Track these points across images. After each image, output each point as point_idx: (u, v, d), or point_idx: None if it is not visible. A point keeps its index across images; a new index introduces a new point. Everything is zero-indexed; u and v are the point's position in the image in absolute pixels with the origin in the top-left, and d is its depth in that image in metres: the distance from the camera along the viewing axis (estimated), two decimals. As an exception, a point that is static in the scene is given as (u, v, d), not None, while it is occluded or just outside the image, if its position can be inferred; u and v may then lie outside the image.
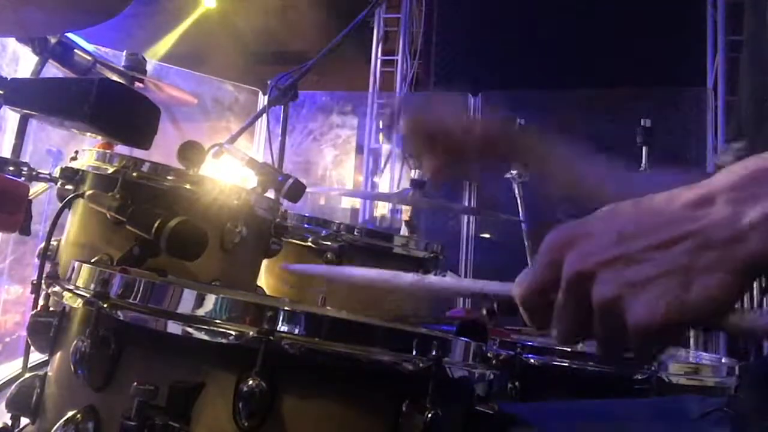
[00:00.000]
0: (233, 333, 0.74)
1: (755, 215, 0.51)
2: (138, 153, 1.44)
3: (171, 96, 2.45)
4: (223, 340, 0.74)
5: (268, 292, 1.62)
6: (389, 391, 0.78)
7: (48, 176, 1.41)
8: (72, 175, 1.38)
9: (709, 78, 4.54)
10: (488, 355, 0.95)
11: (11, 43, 3.23)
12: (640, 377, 1.39)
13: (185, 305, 0.78)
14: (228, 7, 6.62)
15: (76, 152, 1.44)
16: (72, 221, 1.41)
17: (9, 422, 0.97)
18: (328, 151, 5.83)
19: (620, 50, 4.38)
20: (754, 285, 0.53)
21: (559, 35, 4.46)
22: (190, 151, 1.39)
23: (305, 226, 1.85)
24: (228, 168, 1.70)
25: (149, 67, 2.26)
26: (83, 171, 1.39)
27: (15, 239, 3.76)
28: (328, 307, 1.25)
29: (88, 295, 0.81)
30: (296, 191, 1.53)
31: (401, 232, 2.53)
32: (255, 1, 6.59)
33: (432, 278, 0.81)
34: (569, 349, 1.40)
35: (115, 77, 1.98)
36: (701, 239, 0.52)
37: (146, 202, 1.30)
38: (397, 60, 5.46)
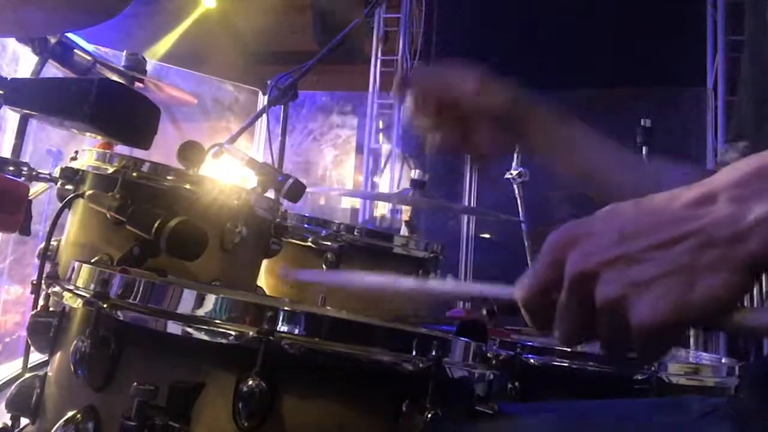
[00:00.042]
0: (233, 333, 0.74)
1: (758, 213, 0.50)
2: (138, 153, 1.44)
3: (171, 96, 2.46)
4: (223, 340, 0.74)
5: (268, 292, 1.62)
6: (389, 391, 0.78)
7: (48, 176, 1.41)
8: (72, 175, 1.38)
9: (709, 78, 4.54)
10: (488, 355, 0.95)
11: (11, 43, 3.23)
12: (640, 377, 1.39)
13: (185, 305, 0.78)
14: (228, 7, 6.62)
15: (76, 152, 1.44)
16: (72, 221, 1.41)
17: (9, 422, 0.97)
18: (328, 151, 5.83)
19: (620, 50, 4.38)
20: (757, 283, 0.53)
21: (559, 35, 4.46)
22: (190, 151, 1.39)
23: (305, 226, 1.85)
24: (228, 168, 1.70)
25: (149, 67, 2.26)
26: (83, 171, 1.39)
27: (15, 239, 3.76)
28: (328, 307, 1.25)
29: (88, 295, 0.81)
30: (296, 191, 1.53)
31: (401, 232, 2.53)
32: (255, 1, 6.59)
33: (432, 282, 0.81)
34: (569, 349, 1.40)
35: (115, 77, 1.98)
36: (703, 238, 0.52)
37: (146, 202, 1.30)
38: (397, 60, 5.45)
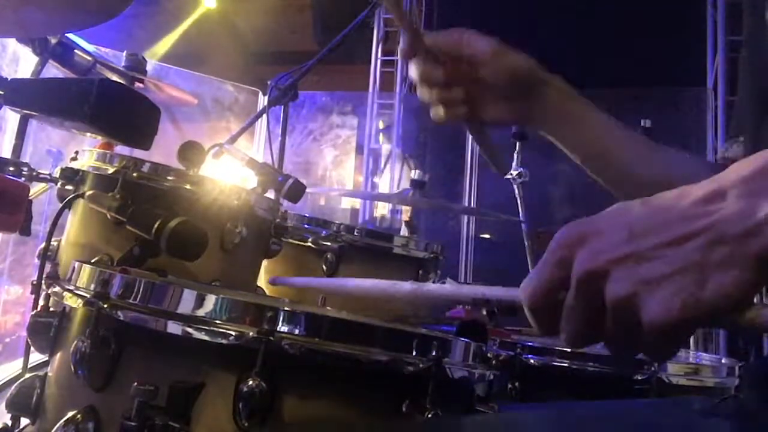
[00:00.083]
0: (233, 333, 0.74)
1: (765, 211, 0.50)
2: (138, 153, 1.44)
3: (171, 96, 2.46)
4: (223, 341, 0.74)
5: (268, 292, 1.62)
6: (389, 391, 0.78)
7: (48, 176, 1.41)
8: (72, 176, 1.38)
9: (709, 78, 4.54)
10: (488, 355, 0.95)
11: (11, 43, 3.24)
12: (640, 377, 1.39)
13: (185, 305, 0.78)
14: (228, 7, 6.62)
15: (76, 152, 1.44)
16: (72, 221, 1.41)
17: (9, 423, 0.97)
18: (328, 151, 5.84)
19: (620, 50, 4.38)
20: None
21: (559, 35, 4.46)
22: (190, 151, 1.39)
23: (305, 226, 1.85)
24: (228, 168, 1.70)
25: (149, 67, 2.26)
26: (83, 171, 1.39)
27: (15, 239, 3.76)
28: (328, 308, 1.25)
29: (88, 296, 0.81)
30: (296, 191, 1.53)
31: (401, 233, 2.53)
32: (255, 1, 6.59)
33: (431, 286, 0.80)
34: (569, 350, 1.40)
35: (115, 77, 1.98)
36: (714, 235, 0.51)
37: (146, 202, 1.30)
38: (397, 60, 5.45)
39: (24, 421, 0.96)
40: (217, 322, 0.76)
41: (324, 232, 1.82)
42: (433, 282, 1.95)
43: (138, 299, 0.80)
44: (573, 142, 1.04)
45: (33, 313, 0.93)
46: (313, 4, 6.04)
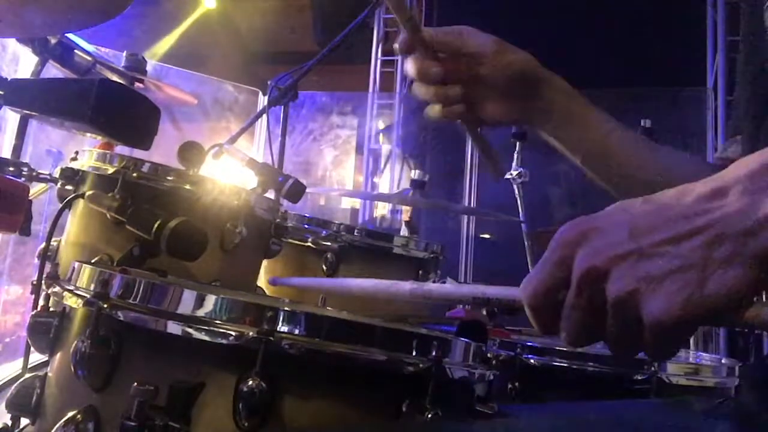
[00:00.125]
0: (233, 333, 0.74)
1: (767, 208, 0.50)
2: (138, 153, 1.44)
3: (171, 96, 2.46)
4: (223, 341, 0.74)
5: (268, 292, 1.62)
6: (389, 391, 0.78)
7: (48, 176, 1.42)
8: (72, 176, 1.38)
9: (709, 78, 4.54)
10: (488, 355, 0.95)
11: (11, 43, 3.23)
12: (640, 377, 1.39)
13: (185, 305, 0.78)
14: (228, 7, 6.62)
15: (76, 152, 1.44)
16: (72, 221, 1.41)
17: (9, 423, 0.97)
18: (328, 151, 5.84)
19: (620, 50, 4.38)
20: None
21: (559, 35, 4.46)
22: (190, 151, 1.39)
23: (305, 226, 1.85)
24: (228, 168, 1.70)
25: (149, 68, 2.26)
26: (83, 171, 1.39)
27: (15, 239, 3.76)
28: (328, 308, 1.25)
29: (88, 296, 0.81)
30: (296, 191, 1.53)
31: (401, 233, 2.53)
32: (255, 1, 6.60)
33: (431, 286, 0.80)
34: (569, 350, 1.40)
35: (115, 77, 1.98)
36: (716, 232, 0.51)
37: (146, 202, 1.30)
38: (397, 60, 5.45)
39: (24, 421, 0.96)
40: (217, 322, 0.76)
41: (324, 232, 1.82)
42: (433, 282, 1.95)
43: (138, 299, 0.80)
44: (574, 142, 1.02)
45: (33, 313, 0.93)
46: (313, 4, 6.05)
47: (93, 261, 1.26)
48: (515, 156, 2.91)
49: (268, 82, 2.25)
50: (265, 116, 2.29)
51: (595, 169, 1.03)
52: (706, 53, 4.57)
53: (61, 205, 1.36)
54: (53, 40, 1.65)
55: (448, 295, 0.80)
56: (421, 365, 0.77)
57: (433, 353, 0.78)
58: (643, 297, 0.52)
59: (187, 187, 1.34)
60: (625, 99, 4.22)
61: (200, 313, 0.77)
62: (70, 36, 1.75)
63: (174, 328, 0.76)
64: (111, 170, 1.33)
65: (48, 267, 1.13)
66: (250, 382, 0.73)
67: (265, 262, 1.61)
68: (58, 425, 0.80)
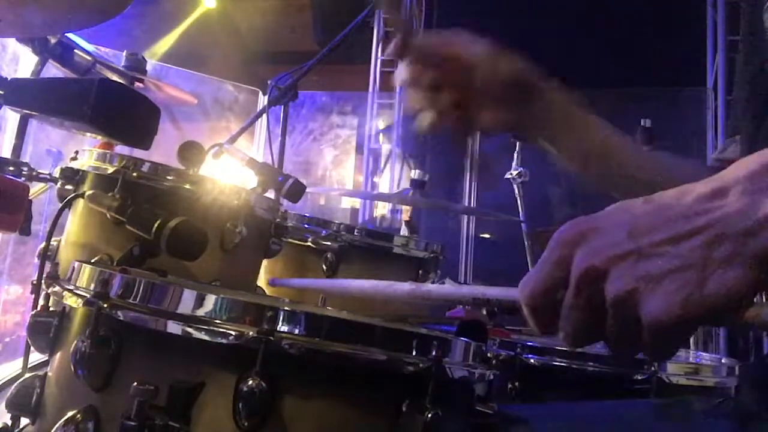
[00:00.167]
0: (233, 333, 0.74)
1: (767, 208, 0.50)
2: (138, 153, 1.44)
3: (171, 96, 2.46)
4: (223, 340, 0.74)
5: (268, 292, 1.62)
6: (389, 391, 0.78)
7: (48, 176, 1.42)
8: (72, 175, 1.38)
9: (709, 78, 4.55)
10: (488, 355, 0.95)
11: (11, 43, 3.23)
12: (640, 377, 1.39)
13: (185, 305, 0.77)
14: (228, 6, 6.62)
15: (76, 152, 1.44)
16: (72, 221, 1.41)
17: (9, 422, 0.97)
18: (328, 151, 5.84)
19: (620, 50, 4.39)
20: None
21: (559, 35, 4.46)
22: (190, 151, 1.39)
23: (305, 226, 1.85)
24: (228, 168, 1.70)
25: (149, 67, 2.27)
26: (83, 171, 1.39)
27: (15, 239, 3.76)
28: (328, 307, 1.25)
29: (88, 296, 0.81)
30: (296, 191, 1.53)
31: (401, 232, 2.54)
32: (255, 1, 6.60)
33: (430, 286, 0.80)
34: (569, 350, 1.40)
35: (115, 77, 1.98)
36: (715, 232, 0.51)
37: (146, 202, 1.30)
38: (397, 60, 5.45)
39: (24, 421, 0.96)
40: (217, 321, 0.76)
41: (324, 232, 1.82)
42: (433, 282, 1.95)
43: (138, 299, 0.80)
44: (573, 146, 1.01)
45: (33, 312, 0.93)
46: (313, 4, 6.05)
47: (93, 261, 1.26)
48: (515, 156, 2.91)
49: (268, 82, 2.25)
50: (265, 116, 2.29)
51: (595, 171, 1.02)
52: (706, 53, 4.57)
53: (61, 205, 1.36)
54: (53, 40, 1.65)
55: (447, 296, 0.80)
56: (421, 365, 0.77)
57: (433, 353, 0.78)
58: (642, 297, 0.52)
59: (187, 186, 1.34)
60: (625, 99, 4.22)
61: (200, 312, 0.77)
62: (70, 36, 1.75)
63: (174, 327, 0.76)
64: (111, 170, 1.33)
65: (48, 267, 1.13)
66: (250, 382, 0.73)
67: (265, 262, 1.61)
68: (58, 425, 0.80)
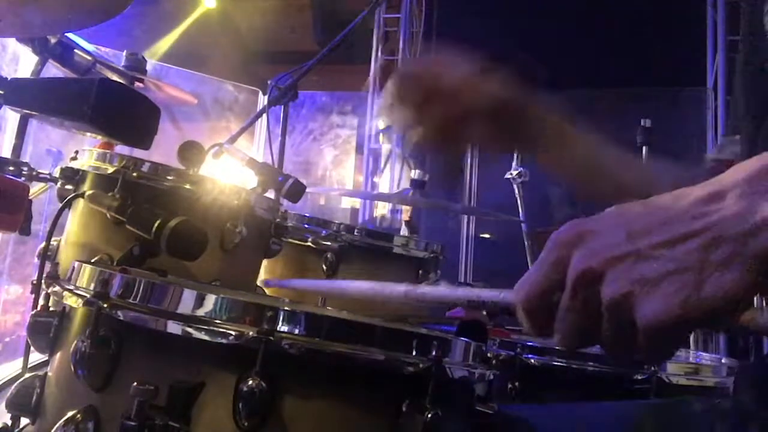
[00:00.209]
0: (233, 333, 0.74)
1: (765, 211, 0.50)
2: (138, 153, 1.44)
3: (171, 96, 2.46)
4: (223, 340, 0.74)
5: (268, 292, 1.62)
6: (389, 391, 0.78)
7: (48, 176, 1.42)
8: (72, 175, 1.38)
9: (709, 78, 4.54)
10: (488, 355, 0.95)
11: (11, 43, 3.23)
12: (640, 377, 1.39)
13: (185, 305, 0.77)
14: (228, 6, 6.62)
15: (76, 152, 1.44)
16: (72, 221, 1.41)
17: (9, 422, 0.97)
18: (328, 151, 5.84)
19: (620, 50, 4.38)
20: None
21: (559, 35, 4.46)
22: (190, 151, 1.39)
23: (305, 226, 1.85)
24: (228, 168, 1.70)
25: (149, 67, 2.27)
26: (83, 171, 1.39)
27: (15, 239, 3.76)
28: (328, 307, 1.25)
29: (88, 295, 0.81)
30: (296, 191, 1.53)
31: (401, 232, 2.54)
32: (255, 1, 6.60)
33: (425, 288, 0.80)
34: (569, 350, 1.40)
35: (115, 77, 1.98)
36: (713, 235, 0.51)
37: (146, 202, 1.30)
38: (397, 60, 5.46)
39: (24, 421, 0.96)
40: (217, 321, 0.76)
41: (324, 232, 1.82)
42: (433, 281, 1.95)
43: (138, 299, 0.80)
44: (566, 161, 1.00)
45: (33, 312, 0.93)
46: (313, 4, 6.05)
47: (93, 261, 1.26)
48: (515, 156, 2.91)
49: (268, 82, 2.25)
50: (265, 116, 2.29)
51: (589, 185, 1.02)
52: (706, 53, 4.57)
53: (61, 205, 1.36)
54: (53, 40, 1.65)
55: (441, 298, 0.80)
56: (421, 365, 0.77)
57: (433, 353, 0.78)
58: (638, 300, 0.52)
59: (187, 186, 1.34)
60: (625, 99, 4.22)
61: (200, 312, 0.77)
62: (70, 35, 1.75)
63: (174, 327, 0.76)
64: (111, 170, 1.33)
65: (48, 266, 1.13)
66: (250, 382, 0.73)
67: (265, 262, 1.61)
68: (58, 425, 0.80)
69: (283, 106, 2.30)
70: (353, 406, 0.78)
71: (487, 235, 4.93)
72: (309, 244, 1.80)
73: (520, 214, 2.97)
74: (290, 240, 1.74)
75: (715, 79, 4.48)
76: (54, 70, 1.75)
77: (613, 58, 4.35)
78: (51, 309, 0.95)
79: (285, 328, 0.76)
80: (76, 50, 1.76)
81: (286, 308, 0.78)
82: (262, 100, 2.46)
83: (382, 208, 5.25)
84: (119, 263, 1.24)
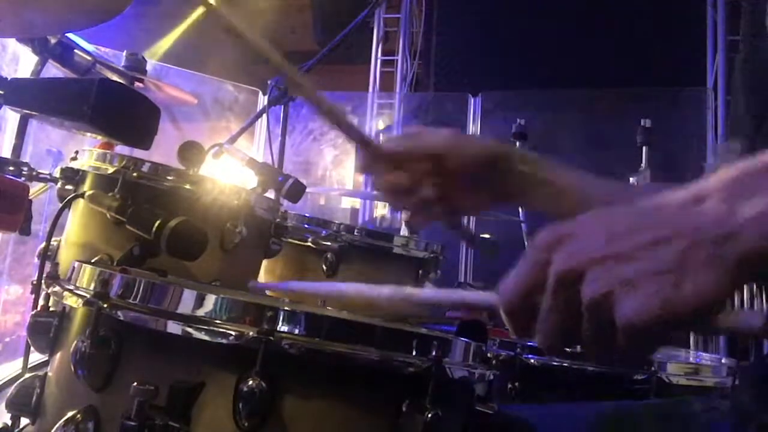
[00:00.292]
0: (233, 333, 0.74)
1: (747, 212, 0.50)
2: (138, 153, 1.44)
3: (171, 96, 2.46)
4: (223, 340, 0.74)
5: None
6: (389, 391, 0.78)
7: (48, 176, 1.42)
8: (72, 175, 1.39)
9: (709, 78, 4.54)
10: (488, 355, 0.95)
11: (11, 43, 3.23)
12: (640, 377, 1.39)
13: (185, 305, 0.78)
14: (228, 7, 6.60)
15: (76, 152, 1.44)
16: (72, 221, 1.41)
17: (9, 422, 0.97)
18: (328, 151, 5.83)
19: (620, 50, 4.38)
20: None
21: (559, 35, 4.46)
22: (190, 151, 1.39)
23: (305, 226, 1.85)
24: (228, 168, 1.70)
25: (149, 67, 2.26)
26: (83, 171, 1.39)
27: (15, 239, 3.76)
28: (329, 308, 1.25)
29: (88, 295, 0.81)
30: (296, 191, 1.54)
31: (401, 232, 2.53)
32: (255, 1, 6.59)
33: (411, 290, 0.80)
34: (569, 350, 1.40)
35: (115, 77, 1.98)
36: (693, 237, 0.52)
37: (146, 202, 1.30)
38: (397, 60, 5.45)
39: (24, 421, 0.96)
40: (217, 322, 0.76)
41: (324, 232, 1.82)
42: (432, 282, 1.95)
43: (138, 299, 0.80)
44: (554, 204, 1.01)
45: (33, 312, 0.93)
46: (313, 4, 6.04)
47: (93, 261, 1.26)
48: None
49: (268, 82, 2.25)
50: (265, 116, 2.29)
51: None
52: (706, 53, 4.57)
53: (61, 205, 1.36)
54: (53, 40, 1.65)
55: (426, 300, 0.81)
56: (421, 365, 0.77)
57: (433, 353, 0.78)
58: (618, 299, 0.53)
59: (187, 186, 1.34)
60: (625, 99, 4.22)
61: (200, 312, 0.77)
62: (70, 36, 1.75)
63: (174, 327, 0.76)
64: (111, 170, 1.33)
65: (48, 267, 1.13)
66: (250, 382, 0.73)
67: (265, 262, 1.61)
68: (58, 425, 0.80)
69: (283, 106, 2.30)
70: (353, 406, 0.78)
71: (487, 235, 4.92)
72: (309, 244, 1.80)
73: (520, 214, 2.97)
74: (290, 240, 1.74)
75: (715, 79, 4.47)
76: (54, 70, 1.75)
77: (613, 58, 4.35)
78: (51, 309, 0.95)
79: (285, 328, 0.76)
80: (76, 50, 1.76)
81: (286, 308, 0.78)
82: (262, 100, 2.46)
83: (382, 208, 5.25)
84: (119, 263, 1.24)
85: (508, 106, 4.45)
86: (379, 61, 5.51)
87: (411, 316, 1.64)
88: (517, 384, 1.38)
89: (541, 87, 4.33)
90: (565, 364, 1.41)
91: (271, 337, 0.73)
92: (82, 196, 1.34)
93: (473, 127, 4.66)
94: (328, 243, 1.80)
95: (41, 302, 0.98)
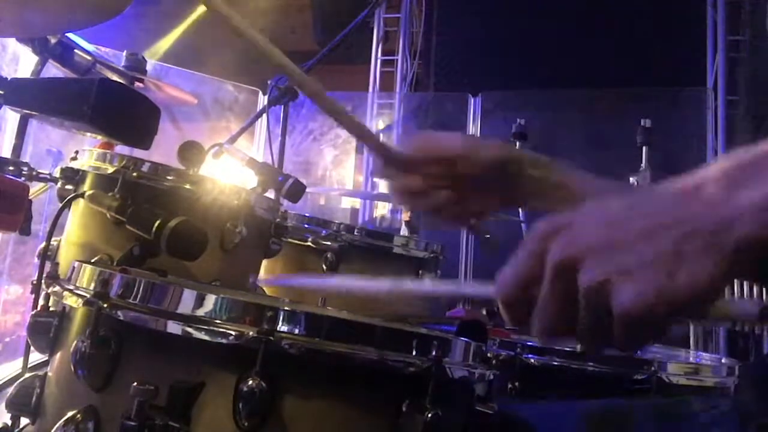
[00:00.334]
0: (233, 333, 0.74)
1: (742, 202, 0.51)
2: (138, 153, 1.44)
3: (171, 96, 2.45)
4: (223, 340, 0.74)
5: (268, 292, 1.62)
6: (389, 391, 0.78)
7: (48, 176, 1.42)
8: (72, 175, 1.39)
9: (709, 78, 4.54)
10: (488, 355, 0.95)
11: (11, 43, 3.23)
12: (640, 377, 1.39)
13: (185, 305, 0.78)
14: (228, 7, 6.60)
15: (76, 152, 1.44)
16: (72, 221, 1.41)
17: (9, 422, 0.97)
18: (328, 151, 5.83)
19: (620, 50, 4.38)
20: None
21: (559, 35, 4.45)
22: (190, 151, 1.39)
23: (305, 226, 1.85)
24: (228, 168, 1.70)
25: (149, 67, 2.26)
26: (83, 171, 1.39)
27: (15, 239, 3.76)
28: (329, 307, 1.25)
29: (88, 295, 0.81)
30: (296, 191, 1.54)
31: (401, 232, 2.53)
32: (255, 1, 6.59)
33: (409, 283, 0.81)
34: (569, 349, 1.40)
35: (115, 77, 1.98)
36: (689, 226, 0.52)
37: (146, 202, 1.30)
38: (397, 60, 5.45)
39: (24, 421, 0.96)
40: (217, 321, 0.76)
41: (324, 232, 1.82)
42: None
43: (138, 299, 0.80)
44: (568, 207, 1.03)
45: (33, 312, 0.93)
46: (313, 4, 6.04)
47: (93, 261, 1.26)
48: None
49: (268, 82, 2.25)
50: (265, 116, 2.29)
51: None
52: (706, 53, 4.57)
53: (61, 205, 1.36)
54: (53, 40, 1.65)
55: (425, 293, 0.81)
56: (421, 365, 0.77)
57: (433, 353, 0.78)
58: (615, 287, 0.53)
59: (187, 186, 1.34)
60: (625, 99, 4.21)
61: (200, 312, 0.77)
62: (70, 36, 1.75)
63: (174, 327, 0.76)
64: (111, 170, 1.33)
65: (48, 266, 1.13)
66: (250, 382, 0.73)
67: (265, 262, 1.61)
68: (58, 425, 0.80)
69: (283, 106, 2.30)
70: (353, 406, 0.78)
71: (487, 235, 4.92)
72: (309, 244, 1.80)
73: (520, 214, 2.97)
74: (290, 240, 1.74)
75: (715, 79, 4.47)
76: (54, 70, 1.75)
77: (613, 58, 4.34)
78: (51, 309, 0.95)
79: (285, 328, 0.76)
80: (76, 50, 1.76)
81: (286, 308, 0.78)
82: (262, 100, 2.46)
83: (382, 208, 5.25)
84: (119, 263, 1.24)
85: (508, 106, 4.45)
86: (379, 61, 5.51)
87: (411, 315, 1.64)
88: (517, 384, 1.38)
89: (541, 87, 4.33)
90: (565, 364, 1.41)
91: (271, 337, 0.73)
92: (82, 196, 1.34)
93: (473, 127, 4.66)
94: (328, 243, 1.80)
95: (41, 302, 0.98)
